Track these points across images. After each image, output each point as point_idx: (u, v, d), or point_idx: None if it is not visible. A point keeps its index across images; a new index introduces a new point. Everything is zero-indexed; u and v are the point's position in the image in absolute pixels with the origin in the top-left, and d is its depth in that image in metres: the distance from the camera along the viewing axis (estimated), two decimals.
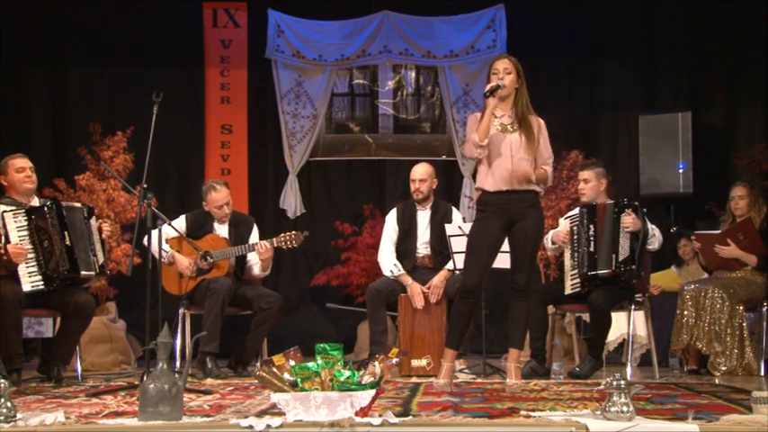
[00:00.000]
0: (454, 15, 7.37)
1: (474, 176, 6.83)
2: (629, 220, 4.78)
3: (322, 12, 7.37)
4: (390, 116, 7.54)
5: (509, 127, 4.03)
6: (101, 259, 4.75)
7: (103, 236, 4.80)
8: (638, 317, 5.16)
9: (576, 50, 7.32)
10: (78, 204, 4.84)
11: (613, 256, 4.77)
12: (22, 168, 4.66)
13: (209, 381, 4.57)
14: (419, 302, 5.00)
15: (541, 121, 4.13)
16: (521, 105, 4.05)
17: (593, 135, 7.43)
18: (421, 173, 5.31)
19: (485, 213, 4.05)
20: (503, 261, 4.82)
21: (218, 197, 5.16)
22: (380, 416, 2.67)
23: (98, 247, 4.75)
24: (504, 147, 4.00)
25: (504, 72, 4.01)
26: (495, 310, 6.51)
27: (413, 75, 7.59)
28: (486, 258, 4.06)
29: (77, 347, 4.81)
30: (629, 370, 4.87)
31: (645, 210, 4.91)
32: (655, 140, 6.86)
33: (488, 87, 3.99)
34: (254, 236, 5.27)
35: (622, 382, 2.69)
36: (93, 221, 4.77)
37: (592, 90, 7.43)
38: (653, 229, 4.92)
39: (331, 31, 7.41)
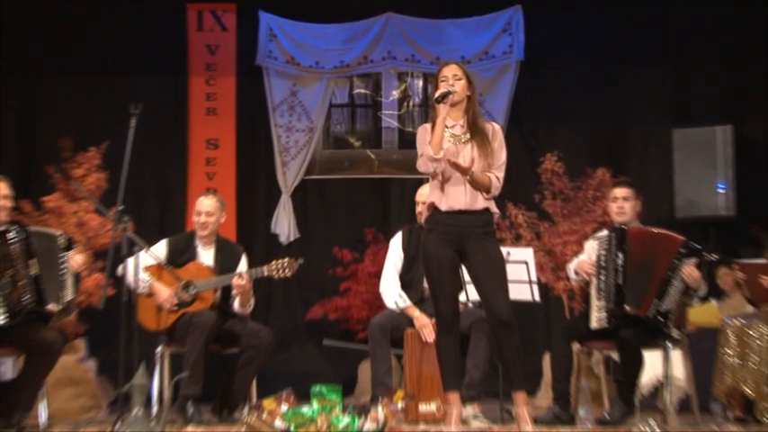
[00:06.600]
0: (466, 18, 7.41)
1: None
2: (694, 276, 4.70)
3: (319, 14, 7.42)
4: (395, 129, 7.57)
5: (462, 137, 4.10)
6: (69, 295, 4.74)
7: (74, 267, 4.78)
8: (675, 356, 5.11)
9: (601, 56, 7.34)
10: (58, 233, 4.84)
11: (656, 300, 4.70)
12: (5, 196, 4.68)
13: (190, 428, 4.56)
14: (429, 335, 4.97)
15: (496, 126, 4.20)
16: (472, 113, 4.12)
17: (621, 151, 7.43)
18: (423, 195, 5.31)
19: (432, 234, 4.08)
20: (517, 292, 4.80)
21: (202, 203, 5.24)
22: None
23: (70, 281, 4.74)
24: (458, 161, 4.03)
25: (454, 78, 4.10)
26: None
27: (420, 83, 7.62)
28: (452, 283, 4.09)
29: (42, 391, 4.77)
30: (666, 416, 4.82)
31: (712, 260, 4.83)
32: (691, 157, 6.85)
33: (438, 93, 4.06)
34: (242, 266, 5.26)
35: (657, 429, 2.66)
36: (70, 254, 4.77)
37: (620, 100, 7.44)
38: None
39: (329, 36, 7.45)
